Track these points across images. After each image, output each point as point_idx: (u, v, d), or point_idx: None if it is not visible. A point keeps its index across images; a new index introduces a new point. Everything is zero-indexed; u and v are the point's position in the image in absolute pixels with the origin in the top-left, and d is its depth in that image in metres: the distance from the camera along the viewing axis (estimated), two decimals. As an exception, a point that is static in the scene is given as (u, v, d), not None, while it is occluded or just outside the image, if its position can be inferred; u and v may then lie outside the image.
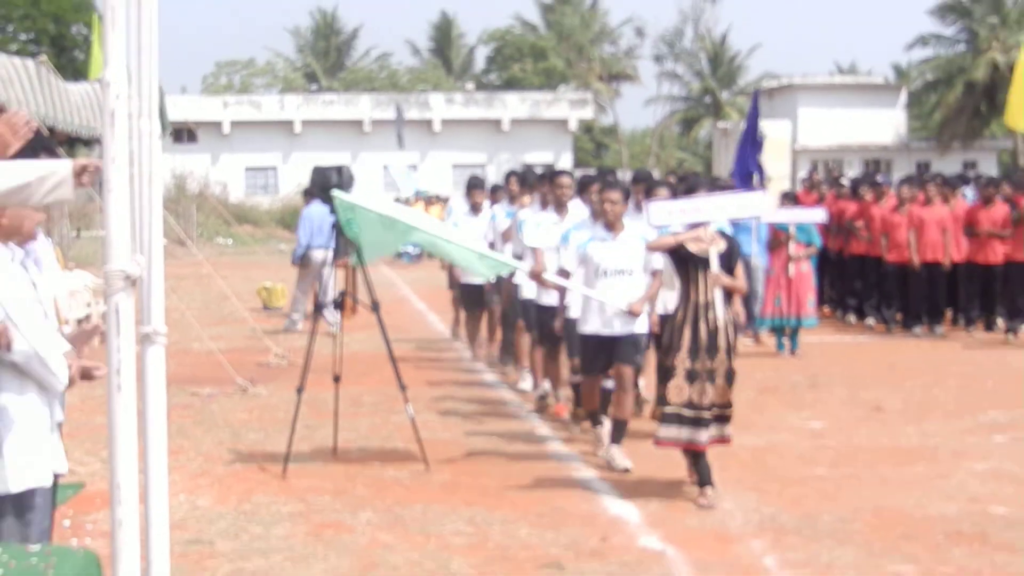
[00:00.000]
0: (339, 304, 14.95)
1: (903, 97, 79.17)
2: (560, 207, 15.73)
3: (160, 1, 5.97)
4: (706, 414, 10.60)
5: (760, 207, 11.78)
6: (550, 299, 14.84)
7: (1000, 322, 24.82)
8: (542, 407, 16.39)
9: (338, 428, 14.07)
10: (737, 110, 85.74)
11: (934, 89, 76.76)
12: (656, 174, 30.35)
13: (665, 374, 10.95)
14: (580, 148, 77.80)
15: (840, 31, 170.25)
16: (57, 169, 6.41)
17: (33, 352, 7.39)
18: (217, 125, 76.19)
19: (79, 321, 7.91)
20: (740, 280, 11.23)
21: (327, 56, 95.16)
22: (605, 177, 15.77)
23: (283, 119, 78.98)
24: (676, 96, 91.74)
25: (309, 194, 27.20)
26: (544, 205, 16.98)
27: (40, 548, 7.68)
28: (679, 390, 10.65)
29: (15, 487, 7.63)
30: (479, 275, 14.60)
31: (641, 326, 12.65)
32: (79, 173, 6.22)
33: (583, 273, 12.76)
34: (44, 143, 7.92)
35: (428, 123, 78.32)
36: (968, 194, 26.97)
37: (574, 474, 13.05)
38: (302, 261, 25.55)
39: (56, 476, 8.13)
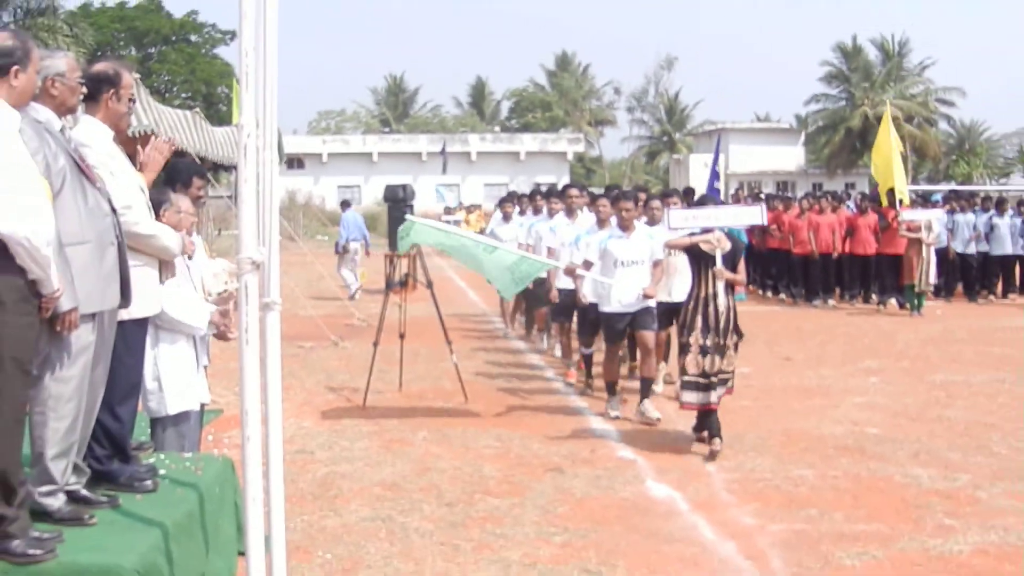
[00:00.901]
0: (403, 283, 14.92)
1: (802, 137, 79.63)
2: (571, 213, 15.18)
3: (277, 67, 5.96)
4: (715, 379, 10.17)
5: (757, 216, 11.38)
6: (568, 284, 13.81)
7: (873, 297, 25.09)
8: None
9: (402, 371, 14.10)
10: (686, 146, 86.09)
11: (823, 132, 76.91)
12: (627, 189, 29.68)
13: (682, 349, 10.46)
14: (575, 173, 77.89)
15: (758, 90, 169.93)
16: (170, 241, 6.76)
17: (174, 320, 7.57)
18: (318, 156, 76.49)
19: (219, 294, 7.92)
20: (741, 275, 10.83)
21: (396, 107, 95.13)
22: (620, 190, 15.26)
23: (364, 151, 79.14)
24: (642, 136, 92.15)
25: (346, 204, 29.19)
26: (551, 214, 16.29)
27: (191, 455, 7.69)
28: (695, 363, 10.21)
29: (172, 410, 7.71)
30: (507, 290, 12.91)
31: (651, 302, 12.10)
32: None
33: (602, 264, 12.20)
34: (198, 168, 7.95)
35: (467, 154, 78.46)
36: (850, 205, 27.09)
37: (572, 406, 13.06)
38: (343, 249, 27.28)
39: (202, 404, 8.13)
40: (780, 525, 8.21)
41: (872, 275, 25.11)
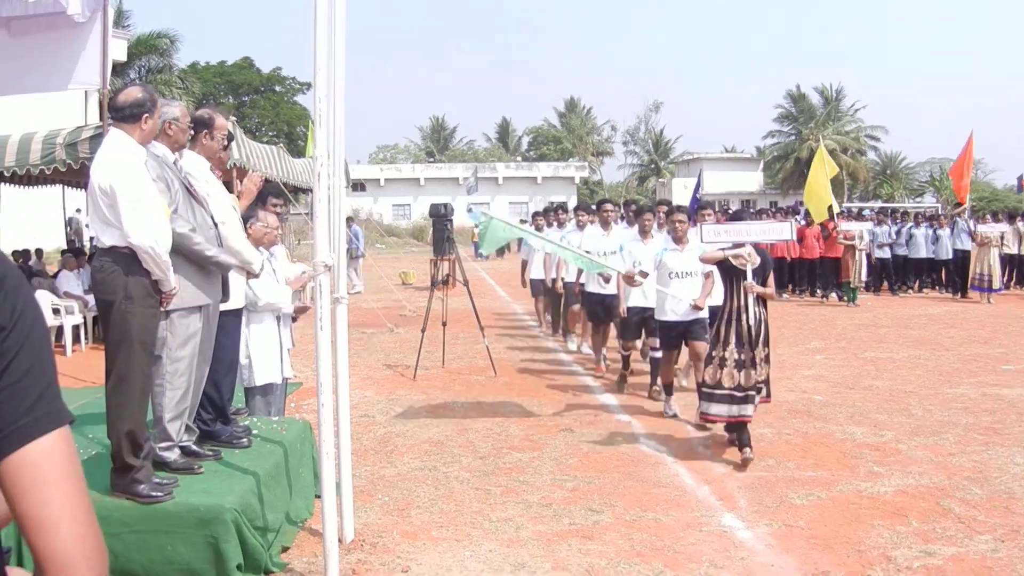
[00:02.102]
0: (445, 281, 14.94)
1: (761, 165, 79.57)
2: (606, 225, 13.60)
3: (343, 110, 5.97)
4: (751, 392, 8.56)
5: (786, 232, 9.53)
6: (609, 291, 12.67)
7: (818, 291, 25.16)
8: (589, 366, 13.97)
9: (445, 352, 14.08)
10: (669, 172, 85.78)
11: (778, 161, 77.03)
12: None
13: (709, 362, 8.82)
14: (581, 194, 77.51)
15: (725, 127, 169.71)
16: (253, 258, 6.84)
17: (270, 301, 7.62)
18: (377, 180, 76.33)
19: (297, 277, 8.11)
20: (771, 288, 9.00)
21: (438, 141, 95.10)
22: (672, 204, 12.97)
23: (413, 177, 78.97)
24: (634, 164, 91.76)
25: (350, 220, 28.48)
26: (580, 226, 14.94)
27: (277, 419, 7.71)
28: (731, 376, 8.55)
29: (260, 381, 7.75)
30: (588, 269, 12.12)
31: (704, 313, 10.44)
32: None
33: (657, 275, 10.72)
34: (273, 189, 8.04)
35: (495, 179, 78.17)
36: (799, 219, 27.09)
37: (581, 380, 12.98)
38: (350, 256, 26.58)
39: (285, 378, 8.16)
40: (745, 473, 8.19)
41: (817, 274, 25.35)
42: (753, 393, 8.60)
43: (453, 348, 14.88)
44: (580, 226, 14.83)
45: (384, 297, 24.06)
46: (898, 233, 26.05)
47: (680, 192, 64.15)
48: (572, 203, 75.86)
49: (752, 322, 8.62)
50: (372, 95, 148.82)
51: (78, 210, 26.44)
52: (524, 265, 18.51)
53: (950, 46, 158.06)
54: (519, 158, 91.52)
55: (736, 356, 8.59)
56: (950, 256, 25.51)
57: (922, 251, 26.07)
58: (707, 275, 10.37)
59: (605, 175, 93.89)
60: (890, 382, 12.44)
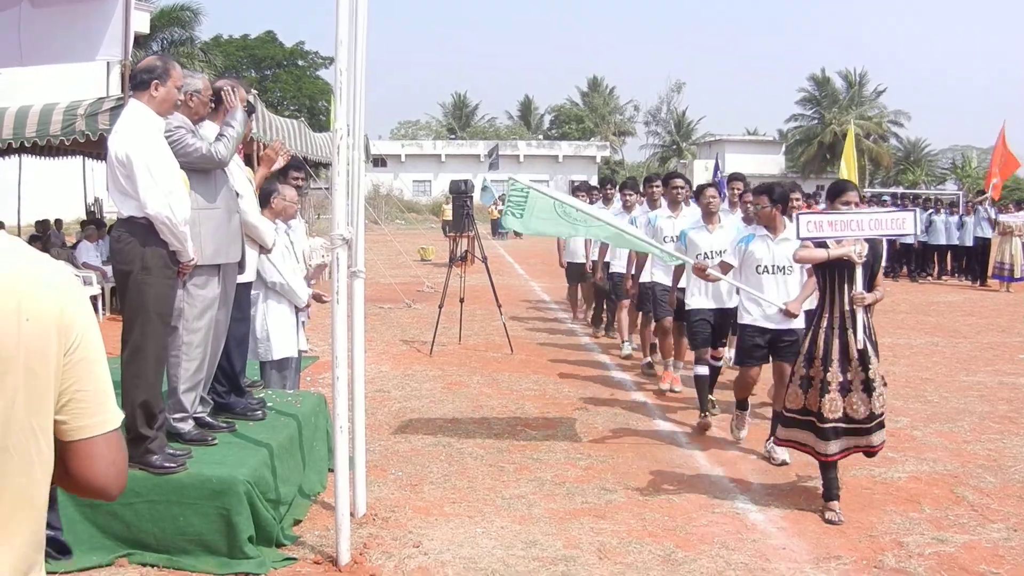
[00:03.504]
0: (463, 257, 14.94)
1: (783, 148, 79.11)
2: (675, 205, 11.32)
3: (364, 84, 5.95)
4: (866, 424, 6.67)
5: (910, 226, 7.09)
6: (668, 280, 10.63)
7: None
8: (648, 374, 11.70)
9: (462, 328, 14.08)
10: (691, 153, 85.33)
11: (800, 145, 76.65)
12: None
13: (811, 385, 6.82)
14: (602, 173, 77.26)
15: (748, 109, 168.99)
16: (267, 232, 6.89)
17: (284, 282, 7.59)
18: (398, 156, 76.13)
19: (318, 266, 7.99)
20: (879, 291, 7.05)
21: (460, 119, 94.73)
22: (749, 184, 11.55)
23: (435, 153, 78.81)
24: (656, 144, 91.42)
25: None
26: (627, 208, 13.01)
27: (292, 392, 7.73)
28: (832, 403, 6.64)
29: (276, 355, 7.76)
30: (659, 257, 9.31)
31: (799, 322, 7.99)
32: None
33: (744, 270, 8.28)
34: (294, 163, 8.03)
35: (516, 157, 77.85)
36: (821, 203, 26.87)
37: (597, 359, 12.97)
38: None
39: (301, 352, 8.16)
40: (757, 456, 8.16)
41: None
42: (872, 425, 6.73)
43: (470, 325, 14.86)
44: (627, 207, 12.98)
45: (402, 273, 24.08)
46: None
47: (701, 173, 63.85)
48: (593, 182, 76.05)
49: (860, 336, 6.69)
50: (395, 69, 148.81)
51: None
52: (561, 245, 15.77)
53: (975, 32, 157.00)
54: (540, 136, 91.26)
55: (840, 378, 6.69)
56: (971, 244, 25.42)
57: (941, 238, 26.03)
58: (810, 272, 7.80)
59: (626, 155, 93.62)
60: (907, 368, 12.38)
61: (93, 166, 20.46)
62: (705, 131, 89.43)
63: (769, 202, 8.37)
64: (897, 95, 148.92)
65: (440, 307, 13.51)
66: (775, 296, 8.10)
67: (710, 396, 9.44)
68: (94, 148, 13.90)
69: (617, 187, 14.36)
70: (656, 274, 11.19)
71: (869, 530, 6.34)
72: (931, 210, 26.72)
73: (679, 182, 11.50)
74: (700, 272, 8.22)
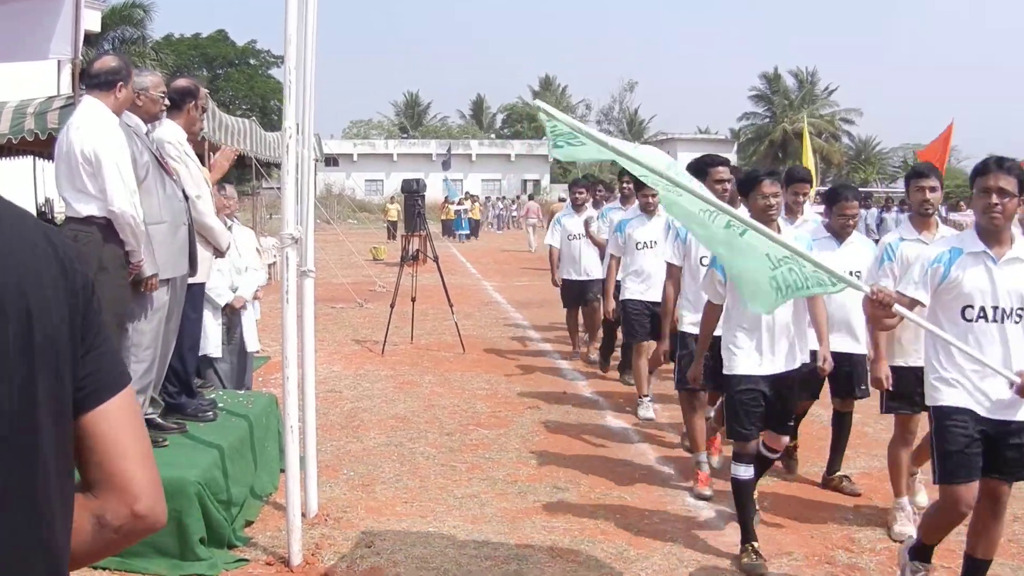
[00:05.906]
0: (415, 257, 14.90)
1: (735, 147, 79.65)
2: (626, 200, 10.62)
3: (314, 83, 5.94)
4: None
5: None
6: (636, 295, 9.40)
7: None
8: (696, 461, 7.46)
9: (413, 328, 14.05)
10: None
11: (752, 143, 77.70)
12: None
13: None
14: (554, 172, 77.54)
15: (700, 108, 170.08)
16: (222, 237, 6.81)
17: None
18: (350, 156, 75.84)
19: (269, 265, 8.02)
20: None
21: (412, 117, 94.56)
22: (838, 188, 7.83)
23: (387, 152, 78.67)
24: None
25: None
26: (597, 205, 12.05)
27: (244, 393, 7.71)
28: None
29: (214, 354, 7.75)
30: (765, 302, 4.87)
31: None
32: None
33: (937, 309, 4.98)
34: (249, 162, 8.03)
35: (469, 156, 77.95)
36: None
37: (549, 358, 13.00)
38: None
39: (252, 352, 8.17)
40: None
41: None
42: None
43: (422, 324, 14.83)
44: (577, 207, 11.92)
45: (354, 272, 24.00)
46: (867, 218, 26.35)
47: (653, 173, 64.23)
48: (545, 182, 76.24)
49: None
50: (347, 69, 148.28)
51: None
52: (554, 255, 12.45)
53: (925, 30, 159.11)
54: (493, 135, 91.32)
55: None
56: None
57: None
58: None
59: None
60: (856, 365, 12.48)
61: (43, 166, 20.17)
62: (657, 129, 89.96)
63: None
64: (849, 94, 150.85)
65: (392, 306, 13.48)
66: (994, 354, 4.77)
67: (756, 510, 6.28)
68: (44, 148, 13.69)
69: (632, 184, 10.20)
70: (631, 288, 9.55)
71: (821, 527, 6.42)
72: (882, 208, 27.13)
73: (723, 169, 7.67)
74: (878, 308, 4.63)
